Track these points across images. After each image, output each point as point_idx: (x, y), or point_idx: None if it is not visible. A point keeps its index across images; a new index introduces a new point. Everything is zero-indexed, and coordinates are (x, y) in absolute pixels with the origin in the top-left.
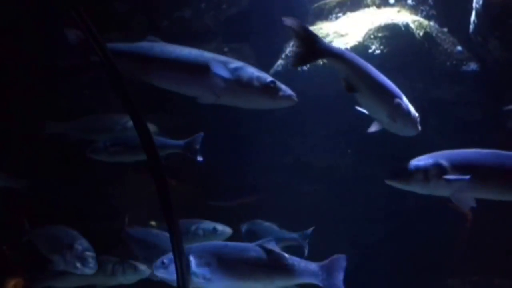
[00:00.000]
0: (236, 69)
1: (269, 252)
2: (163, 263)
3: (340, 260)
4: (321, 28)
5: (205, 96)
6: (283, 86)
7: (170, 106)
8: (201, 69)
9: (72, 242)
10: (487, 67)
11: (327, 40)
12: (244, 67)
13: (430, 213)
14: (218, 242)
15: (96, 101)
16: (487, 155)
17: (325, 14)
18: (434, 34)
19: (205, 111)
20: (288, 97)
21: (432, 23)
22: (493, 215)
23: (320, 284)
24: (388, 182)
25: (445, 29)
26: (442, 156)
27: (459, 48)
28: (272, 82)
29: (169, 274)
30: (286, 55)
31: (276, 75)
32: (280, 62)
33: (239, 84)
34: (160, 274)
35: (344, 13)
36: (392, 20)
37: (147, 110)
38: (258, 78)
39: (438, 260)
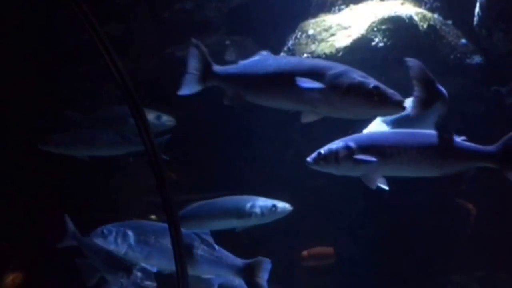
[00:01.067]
0: (335, 76)
1: (201, 241)
2: (102, 232)
3: (265, 263)
4: (324, 20)
5: (301, 109)
6: (389, 91)
7: (171, 97)
8: (289, 81)
9: (132, 265)
10: (492, 60)
11: (330, 32)
12: (346, 72)
13: (434, 208)
14: (157, 224)
15: (96, 93)
16: (391, 134)
17: (328, 6)
18: (438, 27)
19: (206, 104)
20: (396, 103)
21: (436, 15)
22: (498, 210)
23: (242, 280)
24: (310, 166)
25: (449, 22)
26: (351, 139)
27: (463, 40)
28: (375, 87)
29: (107, 244)
30: (288, 48)
31: None
32: (282, 55)
33: (337, 93)
34: (100, 243)
35: (347, 5)
36: (395, 12)
37: (148, 102)
38: (359, 84)
39: (442, 256)
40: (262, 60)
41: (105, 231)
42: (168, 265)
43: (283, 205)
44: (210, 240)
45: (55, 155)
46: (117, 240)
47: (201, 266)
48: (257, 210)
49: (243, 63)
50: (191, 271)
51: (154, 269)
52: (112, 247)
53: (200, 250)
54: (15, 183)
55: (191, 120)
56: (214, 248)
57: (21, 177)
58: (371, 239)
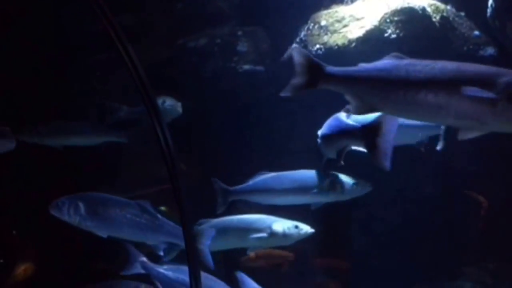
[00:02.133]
0: (509, 84)
1: (145, 210)
2: (57, 204)
3: (209, 231)
4: (336, 12)
5: (462, 125)
6: None
7: (182, 88)
8: (449, 92)
9: None
10: (505, 51)
11: (342, 23)
12: None
13: (444, 201)
14: (106, 195)
15: (108, 83)
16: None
17: None
18: (451, 18)
19: (215, 95)
20: None
21: (449, 7)
22: (509, 202)
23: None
24: None
25: (462, 13)
26: None
27: (476, 32)
28: None
29: (62, 215)
30: (301, 39)
31: (290, 59)
32: (294, 45)
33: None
34: (55, 214)
35: None
36: (408, 3)
37: (158, 93)
38: None
39: (454, 249)
40: (404, 64)
41: (59, 203)
42: (116, 233)
43: (365, 183)
44: (152, 209)
45: (64, 148)
46: (69, 211)
47: (145, 233)
48: (338, 186)
49: (370, 66)
50: (135, 238)
51: (105, 236)
52: (66, 218)
53: (143, 219)
54: (25, 175)
55: (201, 110)
56: (156, 217)
57: (31, 170)
58: (381, 230)
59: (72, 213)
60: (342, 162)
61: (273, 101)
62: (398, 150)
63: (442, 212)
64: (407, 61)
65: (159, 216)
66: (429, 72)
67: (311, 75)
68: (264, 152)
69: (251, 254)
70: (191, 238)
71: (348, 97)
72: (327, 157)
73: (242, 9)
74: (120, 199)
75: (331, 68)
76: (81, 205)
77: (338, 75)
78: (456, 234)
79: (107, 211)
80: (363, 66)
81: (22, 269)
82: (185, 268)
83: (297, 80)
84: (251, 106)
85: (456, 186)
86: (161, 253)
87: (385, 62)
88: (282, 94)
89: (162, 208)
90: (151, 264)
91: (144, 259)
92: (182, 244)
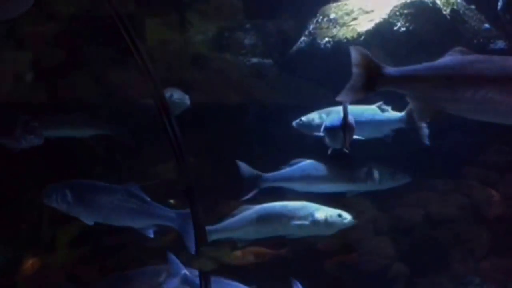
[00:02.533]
0: None
1: (133, 195)
2: (46, 192)
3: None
4: (346, 4)
5: None
6: None
7: (192, 83)
8: None
9: None
10: None
11: (352, 16)
12: None
13: (453, 194)
14: (93, 182)
15: (120, 78)
16: None
17: None
18: (461, 11)
19: (226, 89)
20: None
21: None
22: None
23: (176, 228)
24: None
25: (473, 6)
26: None
27: (486, 25)
28: None
29: (51, 202)
30: (309, 32)
31: (299, 52)
32: (303, 39)
33: None
34: (45, 202)
35: None
36: None
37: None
38: None
39: (462, 244)
40: (470, 61)
41: (48, 191)
42: (104, 219)
43: (403, 175)
44: (141, 193)
45: (72, 143)
46: (57, 199)
47: (134, 217)
48: (375, 175)
49: (432, 64)
50: (125, 223)
51: (91, 223)
52: (54, 206)
53: (132, 203)
54: (31, 168)
55: (209, 103)
56: (145, 200)
57: (38, 163)
58: (389, 226)
59: (60, 201)
60: (347, 151)
61: (281, 97)
62: (403, 146)
63: (450, 206)
64: (472, 57)
65: (148, 199)
66: (500, 69)
67: (370, 78)
68: (278, 148)
69: (238, 252)
70: (202, 234)
71: (410, 100)
72: (333, 148)
73: (251, 1)
74: (107, 185)
75: (390, 69)
76: (68, 192)
77: (398, 76)
78: (463, 228)
79: (93, 197)
80: (424, 64)
81: (30, 263)
82: (228, 282)
83: (354, 83)
84: (261, 102)
85: (466, 178)
86: (151, 235)
87: (449, 59)
88: (338, 99)
89: (171, 201)
90: (193, 277)
91: (186, 271)
92: (173, 226)
